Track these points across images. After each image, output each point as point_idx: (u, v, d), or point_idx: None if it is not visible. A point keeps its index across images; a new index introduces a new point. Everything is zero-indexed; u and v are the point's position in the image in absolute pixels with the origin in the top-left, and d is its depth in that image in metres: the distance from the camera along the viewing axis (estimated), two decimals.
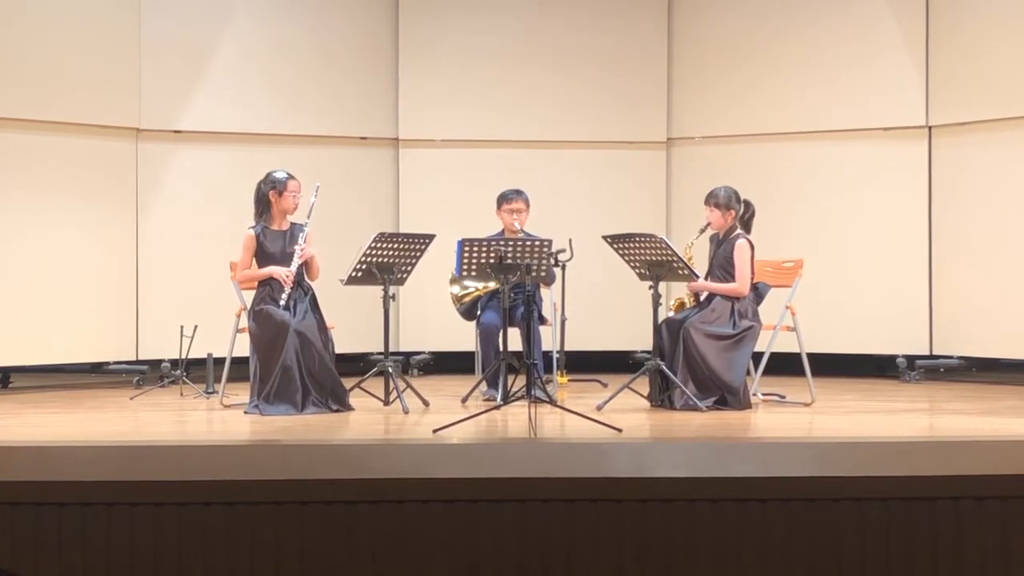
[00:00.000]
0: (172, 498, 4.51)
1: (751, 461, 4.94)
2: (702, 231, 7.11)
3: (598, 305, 8.86)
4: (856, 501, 4.55)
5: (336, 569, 4.51)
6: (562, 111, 9.30)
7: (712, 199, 7.02)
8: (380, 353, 7.20)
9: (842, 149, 8.84)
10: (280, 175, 7.00)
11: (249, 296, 7.05)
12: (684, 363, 6.75)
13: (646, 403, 6.88)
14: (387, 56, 9.28)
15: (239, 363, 7.24)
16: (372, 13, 9.27)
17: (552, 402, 6.68)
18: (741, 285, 6.92)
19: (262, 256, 6.94)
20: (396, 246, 6.95)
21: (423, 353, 9.13)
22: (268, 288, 6.88)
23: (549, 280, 7.35)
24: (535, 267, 6.66)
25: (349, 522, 4.52)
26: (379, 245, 6.90)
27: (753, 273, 6.99)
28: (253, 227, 6.97)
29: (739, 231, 7.01)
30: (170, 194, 8.67)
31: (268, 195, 6.97)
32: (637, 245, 6.85)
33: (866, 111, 8.76)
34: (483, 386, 7.31)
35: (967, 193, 8.46)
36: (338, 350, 7.01)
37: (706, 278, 7.02)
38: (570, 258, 7.58)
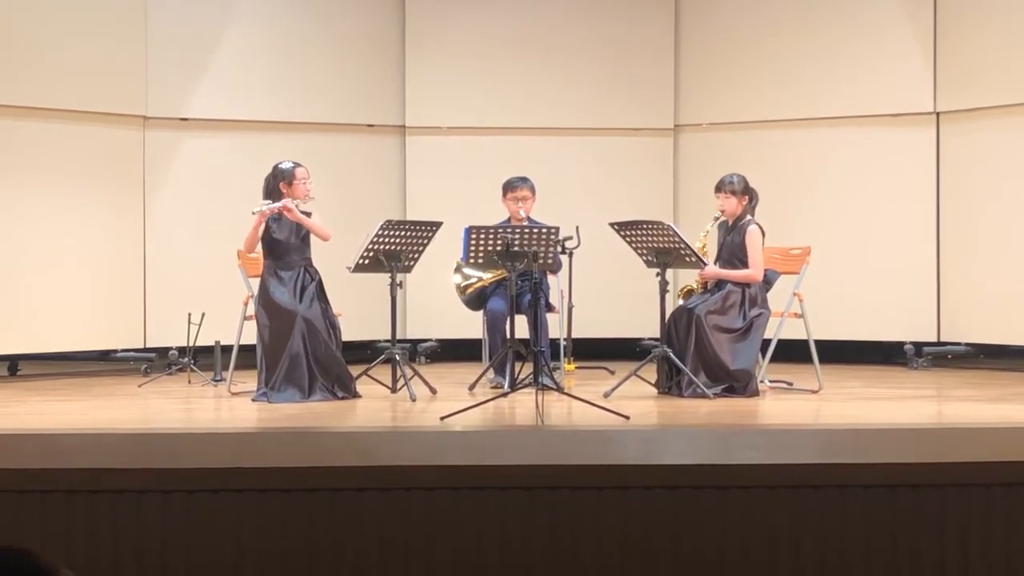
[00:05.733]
0: (180, 486, 4.51)
1: (758, 448, 4.94)
2: (716, 220, 7.10)
3: (605, 292, 8.85)
4: (863, 488, 4.54)
5: (343, 556, 4.52)
6: (569, 98, 9.28)
7: (728, 186, 7.01)
8: (387, 341, 7.21)
9: (850, 136, 8.82)
10: (286, 165, 7.00)
11: (256, 283, 7.06)
12: (695, 353, 6.75)
13: (653, 390, 6.89)
14: (394, 43, 9.27)
15: (247, 350, 7.24)
16: (378, 0, 9.26)
17: (559, 389, 6.68)
18: (755, 271, 6.92)
19: (269, 241, 6.94)
20: (403, 234, 6.95)
21: (430, 341, 9.13)
22: (273, 269, 6.88)
23: (556, 268, 7.35)
24: (542, 254, 6.66)
25: (356, 509, 4.53)
26: (386, 233, 6.90)
27: None
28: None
29: (748, 217, 7.01)
30: (177, 182, 8.67)
31: (279, 187, 6.96)
32: (644, 232, 6.85)
33: (874, 97, 8.74)
34: (490, 373, 7.31)
35: (975, 179, 8.44)
36: (345, 338, 7.03)
37: (715, 265, 7.02)
38: (577, 245, 7.58)
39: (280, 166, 7.01)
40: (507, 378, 6.94)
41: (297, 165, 7.00)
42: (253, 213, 6.86)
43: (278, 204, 6.87)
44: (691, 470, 4.63)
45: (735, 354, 6.78)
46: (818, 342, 7.19)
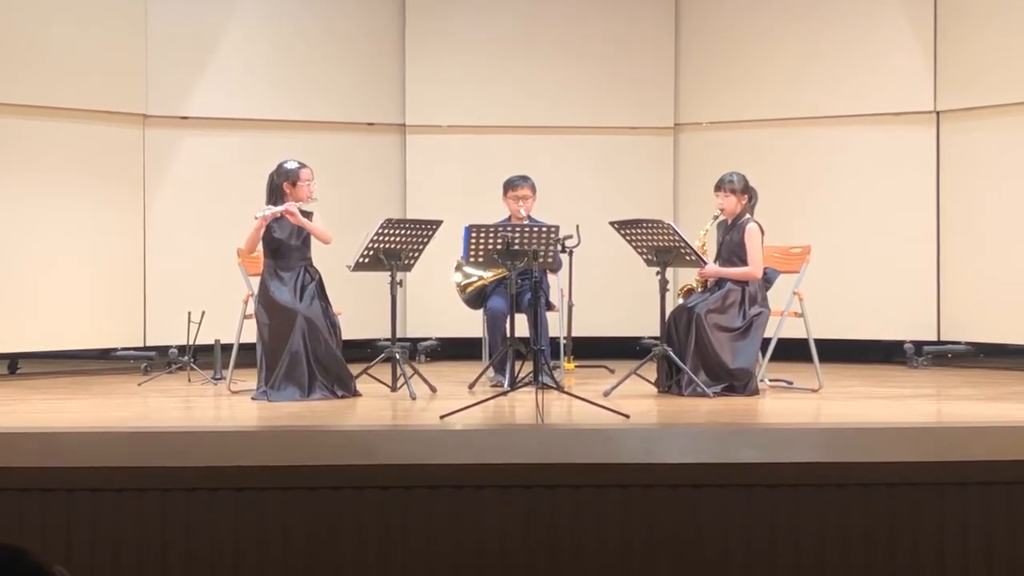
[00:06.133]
0: (180, 484, 4.51)
1: (758, 447, 4.94)
2: (716, 218, 7.11)
3: (605, 291, 8.85)
4: (863, 487, 4.55)
5: (344, 555, 4.52)
6: (569, 97, 9.28)
7: (728, 185, 7.01)
8: (387, 339, 7.21)
9: (850, 134, 8.82)
10: (291, 165, 6.99)
11: (256, 282, 7.06)
12: (696, 352, 6.75)
13: (653, 389, 6.89)
14: (394, 42, 9.27)
15: (247, 349, 7.25)
16: None
17: (559, 388, 6.68)
18: (754, 269, 6.92)
19: (270, 241, 6.93)
20: (403, 232, 6.95)
21: (430, 339, 9.13)
22: (273, 269, 6.88)
23: (556, 266, 7.35)
24: (542, 253, 6.66)
25: (357, 508, 4.53)
26: (386, 231, 6.90)
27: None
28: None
29: (748, 216, 7.01)
30: (177, 180, 8.67)
31: (282, 186, 6.95)
32: (644, 231, 6.85)
33: (874, 96, 8.73)
34: (490, 372, 7.31)
35: (975, 178, 8.44)
36: (345, 336, 7.02)
37: (714, 263, 7.02)
38: (577, 244, 7.58)
39: (285, 165, 7.01)
40: (507, 377, 6.94)
41: (302, 166, 6.99)
42: (256, 218, 6.85)
43: (280, 208, 6.86)
44: (691, 469, 4.64)
45: (735, 353, 6.78)
46: (818, 341, 7.19)
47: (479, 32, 9.29)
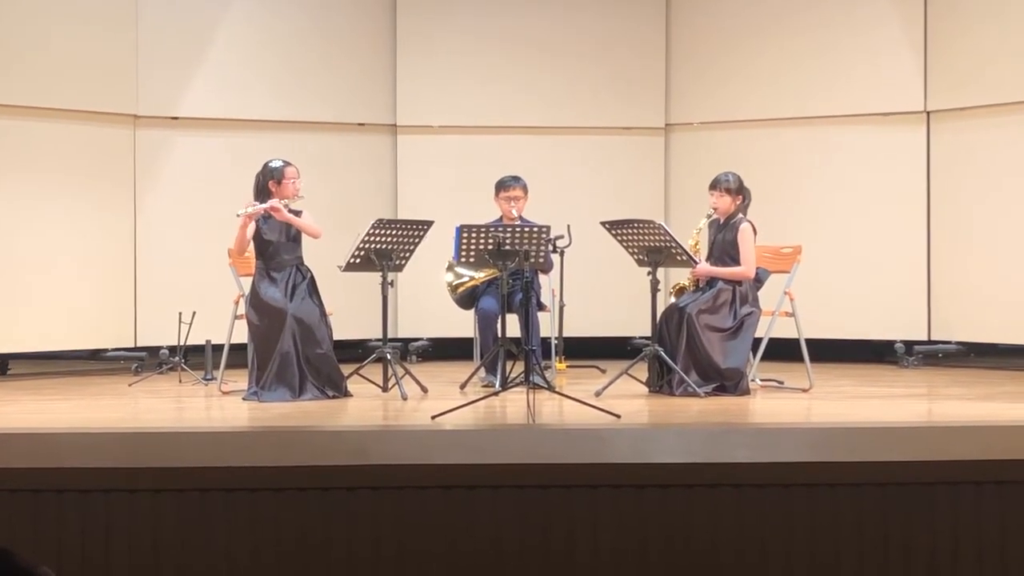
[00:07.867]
0: (171, 485, 4.51)
1: (749, 446, 4.94)
2: (709, 217, 7.11)
3: (596, 291, 8.85)
4: (854, 487, 4.55)
5: (335, 555, 4.51)
6: (560, 97, 9.29)
7: (723, 184, 7.01)
8: (378, 339, 7.21)
9: (841, 134, 8.83)
10: (276, 163, 6.99)
11: (247, 282, 7.05)
12: (687, 352, 6.75)
13: (644, 389, 6.89)
14: (385, 42, 9.26)
15: (237, 349, 7.24)
16: None
17: (550, 388, 6.68)
18: (747, 268, 6.93)
19: (260, 242, 6.93)
20: (394, 232, 6.95)
21: (421, 339, 9.13)
22: (264, 270, 6.88)
23: (547, 267, 7.35)
24: (533, 253, 6.66)
25: (348, 508, 4.53)
26: (377, 231, 6.90)
27: None
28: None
29: (741, 215, 7.02)
30: (168, 180, 8.66)
31: (267, 185, 6.95)
32: (635, 231, 6.86)
33: (864, 96, 8.75)
34: (481, 372, 7.31)
35: (965, 178, 8.46)
36: (336, 336, 7.02)
37: (707, 263, 7.03)
38: (568, 244, 7.58)
39: (270, 164, 7.01)
40: (498, 377, 6.93)
41: (287, 164, 7.00)
42: (238, 215, 6.85)
43: (265, 205, 6.86)
44: (682, 468, 4.64)
45: (726, 353, 6.79)
46: (809, 341, 7.19)
47: (470, 32, 9.29)
